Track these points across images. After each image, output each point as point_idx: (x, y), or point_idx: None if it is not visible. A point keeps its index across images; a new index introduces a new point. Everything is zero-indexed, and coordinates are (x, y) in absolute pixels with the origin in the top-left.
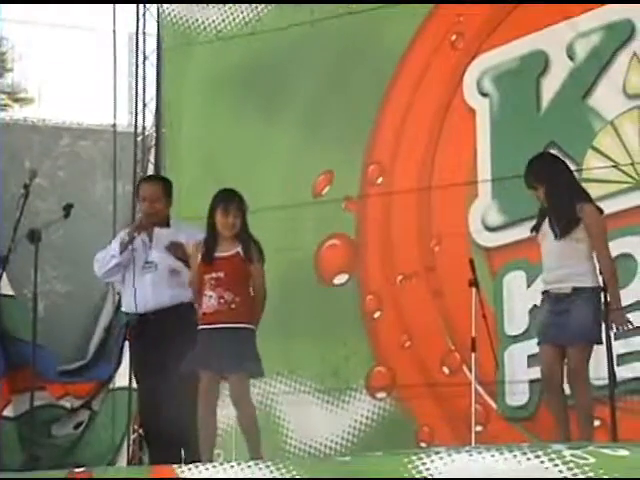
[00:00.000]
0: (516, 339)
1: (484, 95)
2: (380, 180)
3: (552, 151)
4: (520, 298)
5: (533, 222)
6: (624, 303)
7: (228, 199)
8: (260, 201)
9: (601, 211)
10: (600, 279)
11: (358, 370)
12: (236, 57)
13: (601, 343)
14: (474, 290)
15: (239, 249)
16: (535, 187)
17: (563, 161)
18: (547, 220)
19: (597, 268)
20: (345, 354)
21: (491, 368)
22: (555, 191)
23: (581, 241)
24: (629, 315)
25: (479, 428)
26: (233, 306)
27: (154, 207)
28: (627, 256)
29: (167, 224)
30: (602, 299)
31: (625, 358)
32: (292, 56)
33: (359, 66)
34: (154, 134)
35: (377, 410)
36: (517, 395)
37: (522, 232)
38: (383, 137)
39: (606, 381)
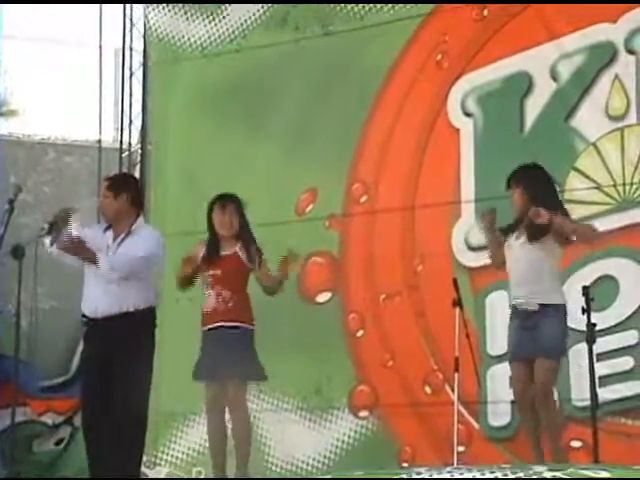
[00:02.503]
0: (499, 359)
1: (468, 115)
2: (364, 199)
3: None
4: (503, 318)
5: None
6: (606, 325)
7: (225, 198)
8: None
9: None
10: (565, 297)
11: (341, 389)
12: (221, 74)
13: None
14: (457, 310)
15: (237, 249)
16: (513, 188)
17: (546, 172)
18: (517, 230)
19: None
20: (328, 373)
21: (474, 388)
22: (531, 193)
23: (549, 256)
24: (611, 336)
25: (461, 448)
26: (230, 304)
27: (101, 204)
28: (609, 278)
29: (124, 220)
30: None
31: (607, 380)
32: (277, 73)
33: (343, 84)
34: (139, 150)
35: (359, 429)
36: (499, 415)
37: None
38: (367, 155)
39: (588, 402)
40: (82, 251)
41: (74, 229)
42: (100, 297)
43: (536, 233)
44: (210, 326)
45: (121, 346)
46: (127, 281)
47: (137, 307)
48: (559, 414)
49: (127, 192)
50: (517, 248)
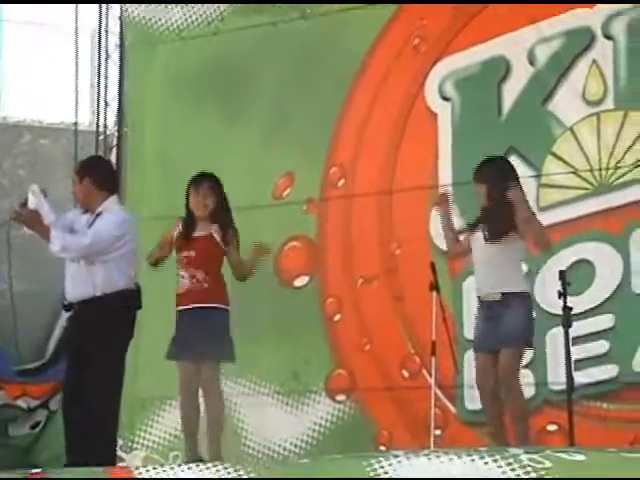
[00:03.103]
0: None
1: (446, 99)
2: (341, 182)
3: (512, 156)
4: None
5: None
6: (582, 309)
7: (200, 179)
8: None
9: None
10: (528, 285)
11: (318, 373)
12: (198, 57)
13: (532, 347)
14: (435, 294)
15: (213, 230)
16: (479, 183)
17: (514, 168)
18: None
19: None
20: (305, 357)
21: (451, 372)
22: (496, 192)
23: (512, 249)
24: (587, 320)
25: (438, 432)
26: (205, 285)
27: (73, 191)
28: (586, 262)
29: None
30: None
31: (583, 363)
32: (254, 57)
33: (321, 68)
34: (116, 133)
35: (337, 413)
36: (476, 399)
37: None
38: (345, 139)
39: (563, 386)
40: (37, 226)
41: (31, 203)
42: (70, 281)
43: (495, 234)
44: (185, 307)
45: (90, 331)
46: (93, 265)
47: (105, 291)
48: (524, 401)
49: (90, 175)
50: (481, 241)
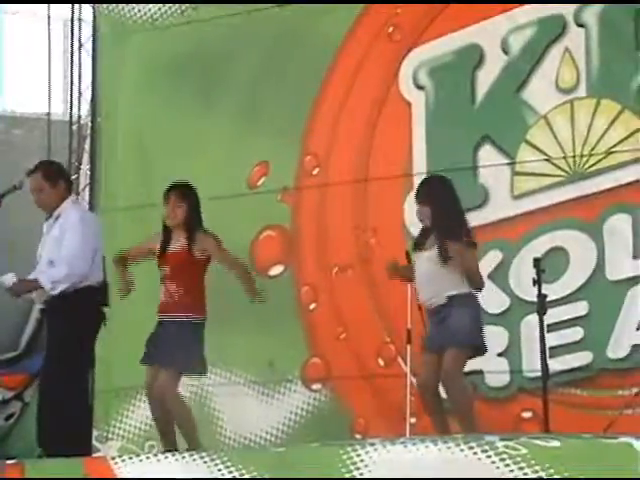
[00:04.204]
0: None
1: (420, 88)
2: (316, 171)
3: (486, 144)
4: None
5: (468, 214)
6: (557, 296)
7: (169, 188)
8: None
9: (474, 244)
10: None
11: (293, 362)
12: (172, 46)
13: (483, 346)
14: (409, 283)
15: (183, 242)
16: (422, 204)
17: (452, 188)
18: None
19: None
20: (280, 346)
21: None
22: (439, 212)
23: (453, 262)
24: (561, 307)
25: (414, 420)
26: (176, 298)
27: (39, 199)
28: (559, 249)
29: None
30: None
31: (557, 350)
32: (228, 46)
33: (296, 57)
34: (89, 123)
35: (312, 401)
36: None
37: None
38: (319, 128)
39: (538, 373)
40: (28, 287)
41: (8, 279)
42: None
43: (446, 257)
44: (160, 317)
45: (51, 325)
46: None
47: (63, 289)
48: (468, 399)
49: (33, 179)
50: (424, 259)
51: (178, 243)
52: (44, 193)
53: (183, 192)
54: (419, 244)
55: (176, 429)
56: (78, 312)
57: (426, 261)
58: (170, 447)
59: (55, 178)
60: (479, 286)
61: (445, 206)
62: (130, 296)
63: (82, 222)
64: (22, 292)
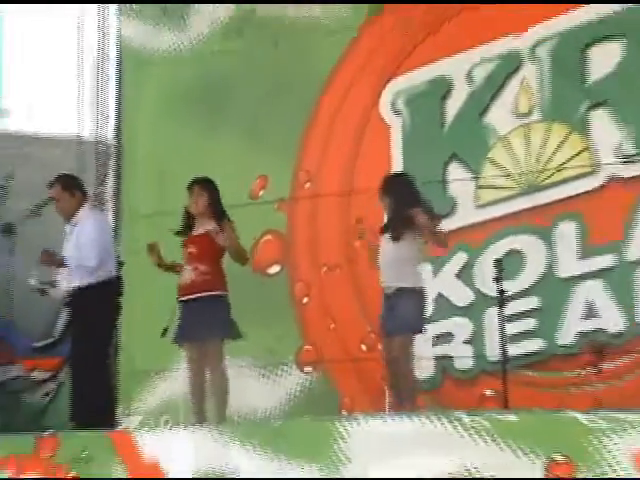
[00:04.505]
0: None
1: (397, 113)
2: (308, 185)
3: (454, 162)
4: (427, 288)
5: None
6: (514, 292)
7: (191, 183)
8: None
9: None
10: (420, 281)
11: (289, 348)
12: (184, 76)
13: (422, 330)
14: None
15: (209, 227)
16: (383, 197)
17: (410, 180)
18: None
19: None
20: (278, 334)
21: None
22: (394, 202)
23: (407, 249)
24: (518, 301)
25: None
26: (207, 277)
27: (59, 207)
28: (517, 251)
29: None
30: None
31: (515, 338)
32: (232, 76)
33: (290, 87)
34: (114, 144)
35: (305, 383)
36: (424, 370)
37: None
38: (311, 148)
39: (498, 358)
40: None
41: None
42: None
43: (397, 234)
44: (190, 296)
45: (75, 314)
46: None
47: (79, 285)
48: (412, 381)
49: (53, 190)
50: (384, 244)
51: (202, 228)
52: (63, 202)
53: (204, 184)
54: (383, 232)
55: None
56: (97, 302)
57: (385, 244)
58: (200, 418)
59: (72, 189)
60: (443, 243)
61: (401, 197)
62: (145, 292)
63: (97, 224)
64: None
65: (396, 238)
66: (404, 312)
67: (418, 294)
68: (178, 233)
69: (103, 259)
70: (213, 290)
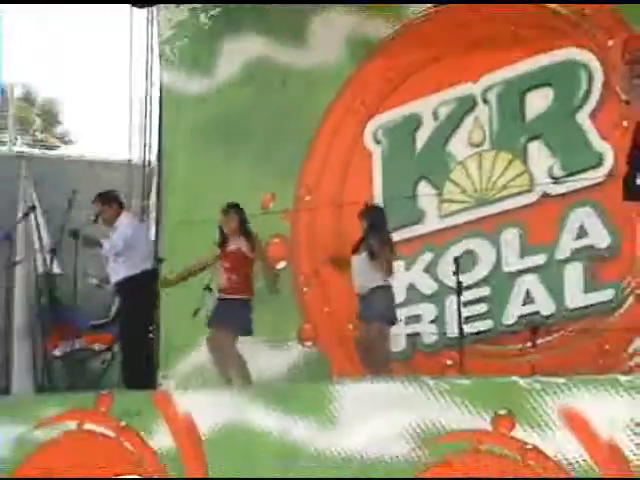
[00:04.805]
0: (398, 306)
1: (378, 142)
2: (308, 198)
3: (423, 182)
4: (401, 279)
5: (408, 229)
6: (470, 282)
7: (226, 208)
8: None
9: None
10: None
11: (292, 327)
12: (209, 112)
13: (395, 320)
14: None
15: (240, 244)
16: (363, 220)
17: (383, 212)
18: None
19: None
20: (283, 316)
21: None
22: (374, 227)
23: (374, 262)
24: (472, 290)
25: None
26: (236, 285)
27: (102, 217)
28: (470, 252)
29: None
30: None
31: (469, 319)
32: (248, 113)
33: (295, 121)
34: (156, 167)
35: (305, 354)
36: (398, 343)
37: (401, 235)
38: (311, 168)
39: (456, 335)
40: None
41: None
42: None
43: (374, 255)
44: (224, 296)
45: (122, 299)
46: (114, 261)
47: (123, 277)
48: (387, 360)
49: (95, 205)
50: (357, 259)
51: (235, 245)
52: (104, 213)
53: (236, 208)
54: (355, 249)
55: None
56: (138, 290)
57: (358, 260)
58: (228, 381)
59: (110, 202)
60: (390, 275)
61: (376, 224)
62: (184, 285)
63: (128, 224)
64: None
65: (373, 258)
66: (379, 303)
67: (388, 289)
68: (218, 245)
69: (133, 248)
70: (240, 294)
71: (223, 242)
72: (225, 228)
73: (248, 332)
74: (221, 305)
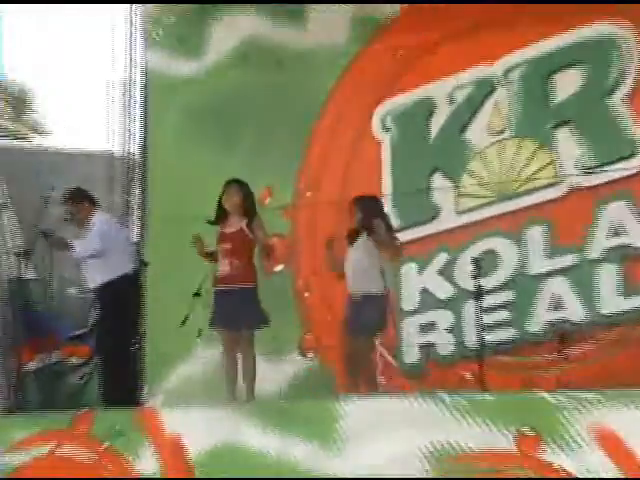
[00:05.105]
0: (410, 314)
1: (387, 130)
2: (309, 194)
3: (437, 173)
4: (413, 283)
5: (421, 228)
6: (490, 286)
7: (228, 182)
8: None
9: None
10: (382, 286)
11: (292, 336)
12: (200, 98)
13: (382, 331)
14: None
15: (243, 225)
16: (355, 210)
17: (379, 200)
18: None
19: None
20: (283, 323)
21: (392, 334)
22: (367, 215)
23: (368, 256)
24: (497, 295)
25: (382, 380)
26: (240, 270)
27: (73, 218)
28: (491, 252)
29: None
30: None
31: (491, 327)
32: (243, 98)
33: (293, 107)
34: (140, 158)
35: (306, 366)
36: (410, 355)
37: (414, 233)
38: (312, 160)
39: (476, 344)
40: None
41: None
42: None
43: (351, 238)
44: (225, 287)
45: (98, 308)
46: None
47: (100, 282)
48: (373, 373)
49: (67, 205)
50: (350, 253)
51: (236, 225)
52: (76, 213)
53: (239, 184)
54: (350, 241)
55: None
56: (117, 295)
57: (352, 254)
58: (231, 394)
59: (80, 199)
60: (398, 259)
61: (368, 210)
62: (169, 287)
63: (103, 224)
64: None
65: (350, 241)
66: (369, 317)
67: (382, 299)
68: (211, 222)
69: (110, 250)
70: (246, 282)
71: (220, 219)
72: (226, 204)
73: (265, 322)
74: (223, 297)
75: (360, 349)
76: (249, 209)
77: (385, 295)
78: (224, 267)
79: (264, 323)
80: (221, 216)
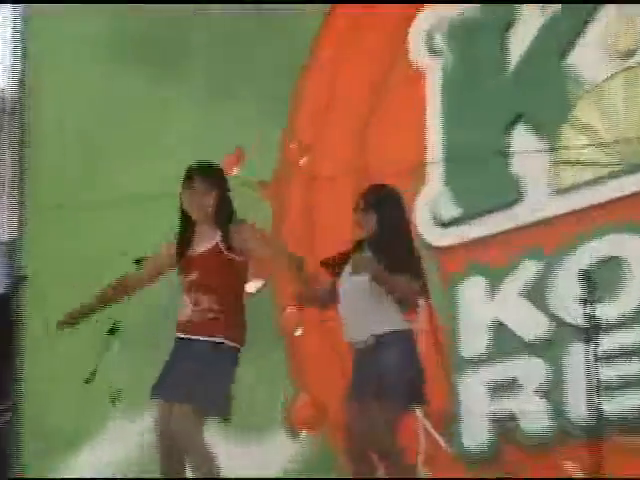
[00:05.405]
0: (474, 364)
1: (436, 53)
2: (303, 160)
3: (520, 125)
4: (480, 313)
5: (493, 218)
6: (610, 318)
7: (191, 170)
8: (161, 186)
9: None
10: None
11: (277, 396)
12: (120, 24)
13: (422, 396)
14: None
15: (218, 239)
16: (363, 211)
17: (402, 201)
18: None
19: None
20: (261, 378)
21: (442, 398)
22: (383, 225)
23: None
24: (624, 333)
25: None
26: (210, 315)
27: None
28: (614, 259)
29: None
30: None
31: (613, 386)
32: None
33: (273, 27)
34: (14, 103)
35: (301, 445)
36: (475, 433)
37: (481, 229)
38: (308, 108)
39: (587, 417)
40: None
41: None
42: None
43: (359, 267)
44: (187, 336)
45: None
46: None
47: None
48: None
49: None
50: (352, 283)
51: (207, 242)
52: None
53: (211, 176)
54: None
55: None
56: None
57: (354, 286)
58: None
59: None
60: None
61: (392, 217)
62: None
63: None
64: None
65: (355, 271)
66: (394, 366)
67: (408, 337)
68: (177, 252)
69: None
70: (217, 335)
71: (183, 237)
72: (190, 209)
73: (223, 412)
74: (180, 352)
75: (377, 426)
76: (223, 213)
77: (411, 333)
78: (185, 308)
79: (220, 413)
80: (187, 234)
